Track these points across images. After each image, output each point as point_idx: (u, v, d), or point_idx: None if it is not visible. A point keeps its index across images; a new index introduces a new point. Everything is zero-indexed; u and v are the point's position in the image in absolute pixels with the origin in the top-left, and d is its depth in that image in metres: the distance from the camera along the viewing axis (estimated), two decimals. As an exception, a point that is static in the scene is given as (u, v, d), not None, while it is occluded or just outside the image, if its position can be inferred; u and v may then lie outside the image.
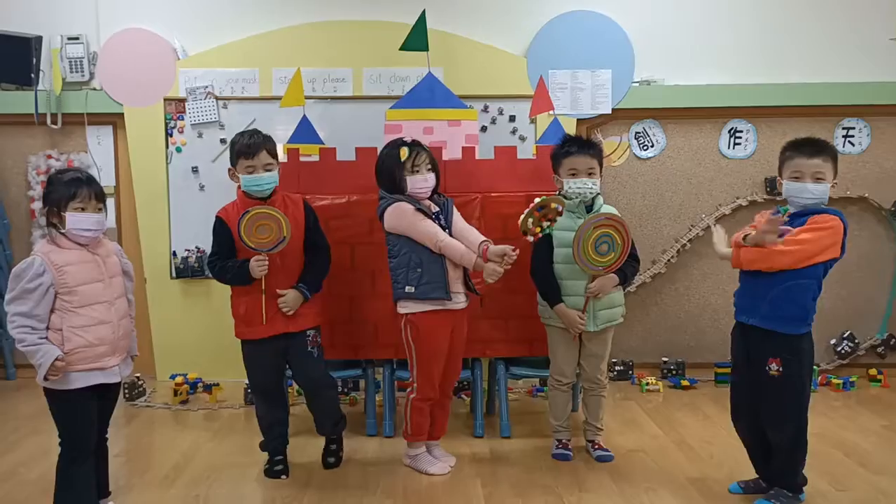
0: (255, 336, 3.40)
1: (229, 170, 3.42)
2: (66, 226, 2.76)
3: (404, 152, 3.36)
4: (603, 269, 3.41)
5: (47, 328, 2.71)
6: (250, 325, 3.40)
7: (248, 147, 3.32)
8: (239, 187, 3.40)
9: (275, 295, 3.36)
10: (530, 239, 3.34)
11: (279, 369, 3.52)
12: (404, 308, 3.40)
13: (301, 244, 3.44)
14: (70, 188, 2.75)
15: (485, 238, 3.39)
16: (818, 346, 3.93)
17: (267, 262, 3.30)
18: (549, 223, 3.32)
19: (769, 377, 3.01)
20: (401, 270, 3.38)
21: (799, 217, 2.98)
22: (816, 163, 2.98)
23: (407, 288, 3.36)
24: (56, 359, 2.66)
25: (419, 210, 3.34)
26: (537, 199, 3.28)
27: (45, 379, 2.70)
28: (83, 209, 2.76)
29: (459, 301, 3.42)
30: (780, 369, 2.99)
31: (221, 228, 3.38)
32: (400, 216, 3.35)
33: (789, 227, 2.91)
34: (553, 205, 3.27)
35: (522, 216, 3.29)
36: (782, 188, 3.05)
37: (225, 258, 3.38)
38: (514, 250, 3.25)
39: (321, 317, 3.55)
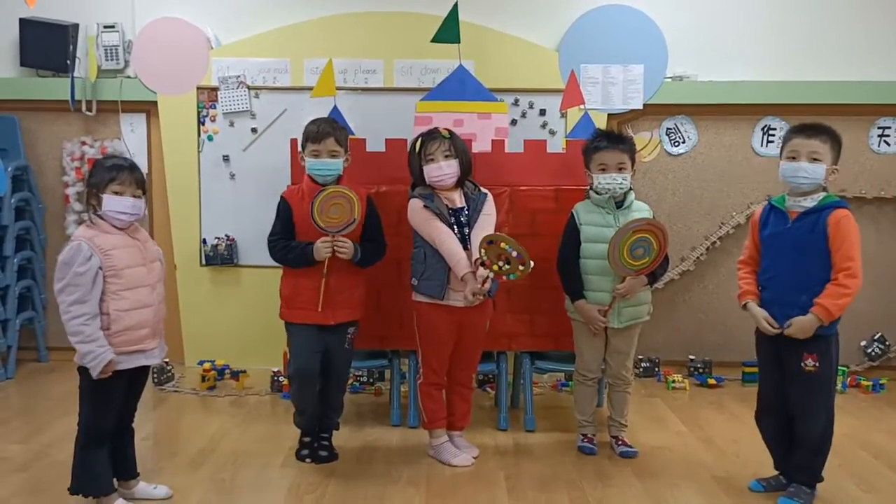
0: (293, 319, 3.45)
1: (299, 153, 3.50)
2: (102, 207, 2.81)
3: (418, 144, 3.45)
4: (634, 272, 3.39)
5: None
6: (290, 308, 3.45)
7: (317, 132, 3.39)
8: (304, 171, 3.46)
9: (328, 284, 3.37)
10: (489, 273, 3.24)
11: (319, 357, 3.47)
12: (414, 297, 3.50)
13: (358, 239, 3.44)
14: (111, 171, 2.82)
15: None
16: (849, 348, 3.88)
17: (332, 245, 3.33)
18: (507, 265, 3.22)
19: (804, 373, 2.99)
20: (413, 262, 3.48)
21: (810, 214, 2.94)
22: (814, 143, 2.92)
23: (412, 280, 3.47)
24: (110, 361, 2.73)
25: (426, 208, 3.37)
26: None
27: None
28: (121, 193, 2.81)
29: (461, 299, 3.37)
30: (817, 364, 2.97)
31: (285, 209, 3.44)
32: (411, 213, 3.45)
33: None
34: (503, 244, 3.18)
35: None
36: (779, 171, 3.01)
37: (285, 238, 3.42)
38: (481, 286, 3.24)
39: (361, 312, 3.57)
